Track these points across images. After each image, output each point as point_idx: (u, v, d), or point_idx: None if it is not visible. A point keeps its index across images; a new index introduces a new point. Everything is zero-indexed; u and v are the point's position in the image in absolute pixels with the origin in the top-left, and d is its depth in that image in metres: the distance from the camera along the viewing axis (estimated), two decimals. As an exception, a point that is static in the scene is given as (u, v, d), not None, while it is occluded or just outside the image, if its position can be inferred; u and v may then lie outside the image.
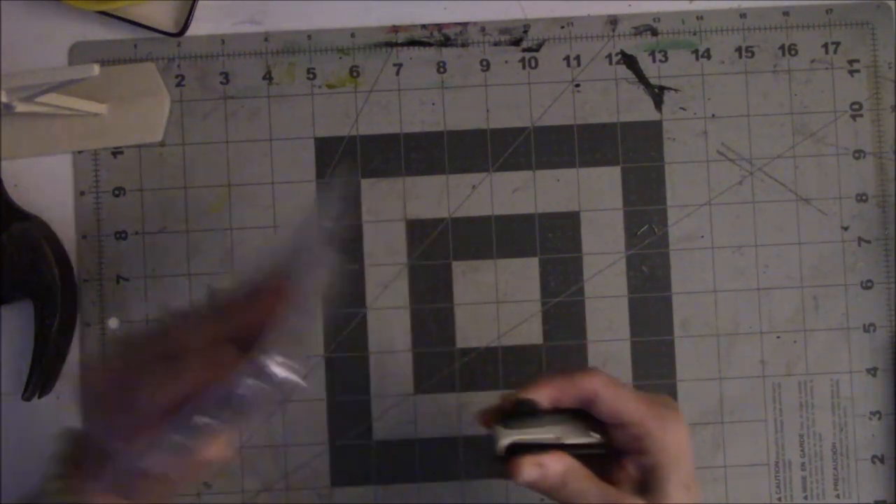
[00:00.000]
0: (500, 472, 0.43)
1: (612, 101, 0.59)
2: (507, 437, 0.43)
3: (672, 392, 0.58)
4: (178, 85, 0.59)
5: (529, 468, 0.43)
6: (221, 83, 0.59)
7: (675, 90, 0.59)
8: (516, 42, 0.59)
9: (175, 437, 0.38)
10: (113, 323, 0.58)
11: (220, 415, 0.38)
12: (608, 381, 0.44)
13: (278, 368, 0.38)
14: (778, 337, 0.59)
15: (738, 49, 0.59)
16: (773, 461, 0.58)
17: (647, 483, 0.43)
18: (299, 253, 0.41)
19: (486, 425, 0.44)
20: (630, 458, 0.44)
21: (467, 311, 0.58)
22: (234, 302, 0.41)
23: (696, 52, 0.59)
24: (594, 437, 0.44)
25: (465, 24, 0.59)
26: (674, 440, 0.43)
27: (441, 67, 0.59)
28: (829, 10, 0.59)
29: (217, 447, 0.40)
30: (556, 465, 0.43)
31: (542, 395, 0.43)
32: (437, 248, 0.59)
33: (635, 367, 0.58)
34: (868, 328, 0.59)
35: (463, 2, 0.59)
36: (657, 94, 0.59)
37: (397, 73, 0.59)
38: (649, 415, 0.43)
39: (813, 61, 0.59)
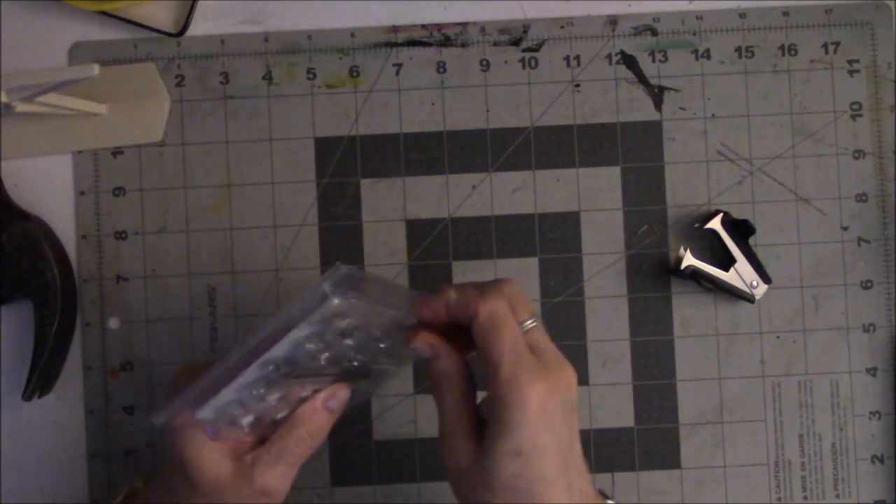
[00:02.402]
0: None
1: (612, 101, 0.59)
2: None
3: (672, 392, 0.58)
4: (178, 85, 0.59)
5: (425, 345, 0.44)
6: (221, 83, 0.59)
7: (675, 90, 0.59)
8: (516, 42, 0.59)
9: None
10: (113, 323, 0.58)
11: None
12: (495, 310, 0.42)
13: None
14: (778, 337, 0.59)
15: (738, 49, 0.59)
16: (772, 461, 0.58)
17: (486, 431, 0.42)
18: None
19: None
20: (488, 400, 0.42)
21: (467, 311, 0.58)
22: None
23: (695, 52, 0.59)
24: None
25: (465, 24, 0.59)
26: (516, 399, 0.40)
27: (441, 67, 0.59)
28: (828, 10, 0.59)
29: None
30: (446, 360, 0.44)
31: (438, 306, 0.43)
32: (437, 248, 0.59)
33: (635, 367, 0.58)
34: (868, 328, 0.59)
35: (463, 2, 0.59)
36: (657, 94, 0.59)
37: (397, 73, 0.59)
38: (507, 363, 0.41)
39: (813, 61, 0.59)
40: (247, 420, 0.44)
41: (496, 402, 0.41)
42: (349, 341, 0.44)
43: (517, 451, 0.41)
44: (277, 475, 0.44)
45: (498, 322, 0.42)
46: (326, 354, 0.44)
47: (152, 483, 0.51)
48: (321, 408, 0.45)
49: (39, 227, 0.56)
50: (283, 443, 0.45)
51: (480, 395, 0.44)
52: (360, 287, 0.43)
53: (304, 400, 0.45)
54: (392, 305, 0.45)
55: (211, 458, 0.44)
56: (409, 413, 0.58)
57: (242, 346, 0.43)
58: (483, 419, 0.43)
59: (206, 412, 0.43)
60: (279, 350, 0.42)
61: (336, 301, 0.41)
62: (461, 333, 0.44)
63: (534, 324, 0.43)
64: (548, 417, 0.41)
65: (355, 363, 0.46)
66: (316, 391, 0.45)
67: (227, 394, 0.43)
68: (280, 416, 0.45)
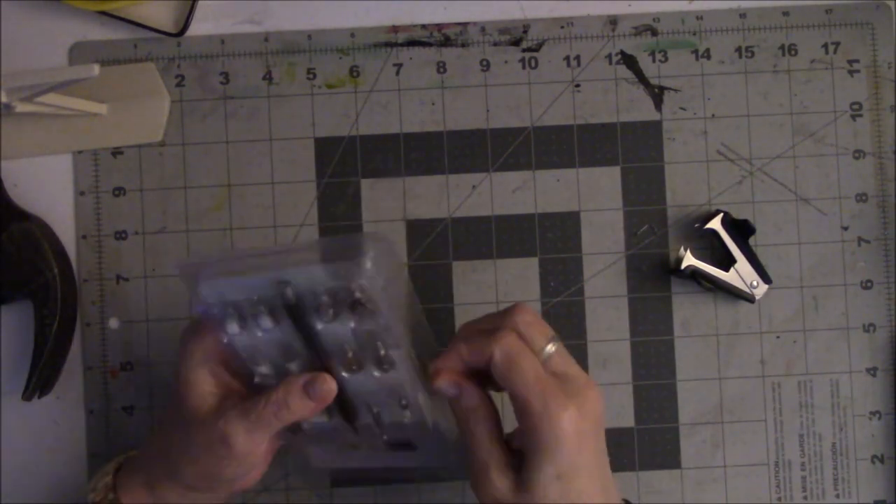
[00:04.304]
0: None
1: (612, 101, 0.59)
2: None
3: (672, 392, 0.58)
4: (178, 85, 0.59)
5: (447, 383, 0.44)
6: (221, 83, 0.59)
7: (675, 90, 0.59)
8: (516, 42, 0.59)
9: None
10: (113, 323, 0.58)
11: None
12: (510, 349, 0.43)
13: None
14: (778, 337, 0.59)
15: (738, 49, 0.59)
16: (772, 461, 0.58)
17: (523, 464, 0.43)
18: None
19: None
20: (521, 432, 0.43)
21: (467, 311, 0.58)
22: None
23: (695, 52, 0.59)
24: None
25: (465, 24, 0.59)
26: (550, 427, 0.42)
27: (441, 67, 0.59)
28: (828, 10, 0.59)
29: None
30: (470, 397, 0.44)
31: (452, 362, 0.45)
32: (437, 248, 0.59)
33: (635, 367, 0.58)
34: (868, 328, 0.59)
35: (463, 2, 0.59)
36: (657, 94, 0.59)
37: (397, 73, 0.59)
38: (535, 395, 0.42)
39: (813, 61, 0.59)
40: (232, 330, 0.45)
41: (531, 432, 0.42)
42: (352, 323, 0.44)
43: (558, 476, 0.42)
44: (238, 428, 0.44)
45: (514, 360, 0.43)
46: (331, 312, 0.44)
47: (147, 438, 0.52)
48: (299, 388, 0.45)
49: (39, 227, 0.56)
50: (254, 402, 0.45)
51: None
52: (393, 280, 0.44)
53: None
54: (408, 323, 0.46)
55: (202, 379, 0.46)
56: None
57: (267, 250, 0.43)
58: (514, 450, 0.44)
59: (208, 289, 0.44)
60: (295, 274, 0.43)
61: (369, 265, 0.41)
62: (482, 371, 0.45)
63: (553, 349, 0.44)
64: (581, 439, 0.42)
65: (354, 375, 0.45)
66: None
67: (232, 284, 0.44)
68: (266, 380, 0.46)
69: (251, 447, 0.45)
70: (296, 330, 0.45)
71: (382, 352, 0.45)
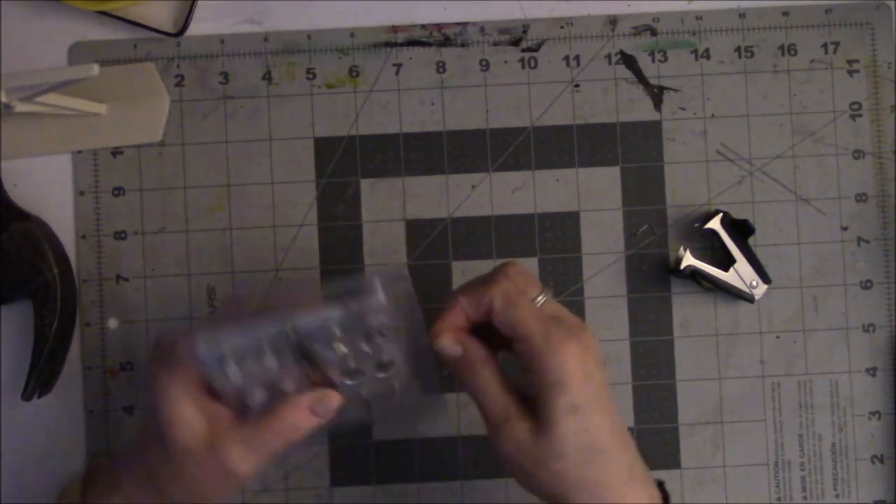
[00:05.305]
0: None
1: (612, 101, 0.59)
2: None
3: (672, 392, 0.58)
4: (178, 85, 0.59)
5: (450, 342, 0.45)
6: (221, 83, 0.59)
7: (675, 90, 0.59)
8: (516, 42, 0.59)
9: None
10: (113, 323, 0.58)
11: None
12: (508, 292, 0.44)
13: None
14: (777, 337, 0.59)
15: (738, 49, 0.59)
16: (772, 461, 0.58)
17: (536, 407, 0.43)
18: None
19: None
20: (528, 379, 0.44)
21: (467, 311, 0.58)
22: None
23: (695, 52, 0.59)
24: None
25: (464, 24, 0.59)
26: (557, 360, 0.42)
27: (441, 67, 0.59)
28: (828, 10, 0.59)
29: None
30: (477, 350, 0.45)
31: (452, 320, 0.45)
32: (436, 248, 0.59)
33: (635, 367, 0.58)
34: (867, 328, 0.59)
35: (463, 2, 0.59)
36: (657, 94, 0.59)
37: (397, 73, 0.59)
38: (537, 332, 0.43)
39: (812, 61, 0.59)
40: (237, 379, 0.44)
41: (539, 371, 0.43)
42: (367, 348, 0.44)
43: (574, 407, 0.42)
44: (243, 458, 0.44)
45: (513, 300, 0.44)
46: (344, 350, 0.44)
47: (120, 448, 0.50)
48: (305, 408, 0.44)
49: (39, 227, 0.56)
50: (257, 428, 0.44)
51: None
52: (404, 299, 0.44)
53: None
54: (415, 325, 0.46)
55: (188, 414, 0.44)
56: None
57: (270, 309, 0.43)
58: (527, 398, 0.44)
59: (205, 347, 0.43)
60: (305, 320, 0.43)
61: (381, 298, 0.42)
62: (484, 339, 0.45)
63: (544, 298, 0.45)
64: (588, 373, 0.43)
65: (357, 381, 0.46)
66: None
67: (233, 336, 0.43)
68: (261, 402, 0.45)
69: (255, 471, 0.44)
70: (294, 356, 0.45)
71: (385, 357, 0.45)
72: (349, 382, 0.45)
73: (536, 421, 0.43)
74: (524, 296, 0.44)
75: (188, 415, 0.44)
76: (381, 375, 0.45)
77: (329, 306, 0.43)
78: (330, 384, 0.45)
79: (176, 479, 0.45)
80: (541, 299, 0.45)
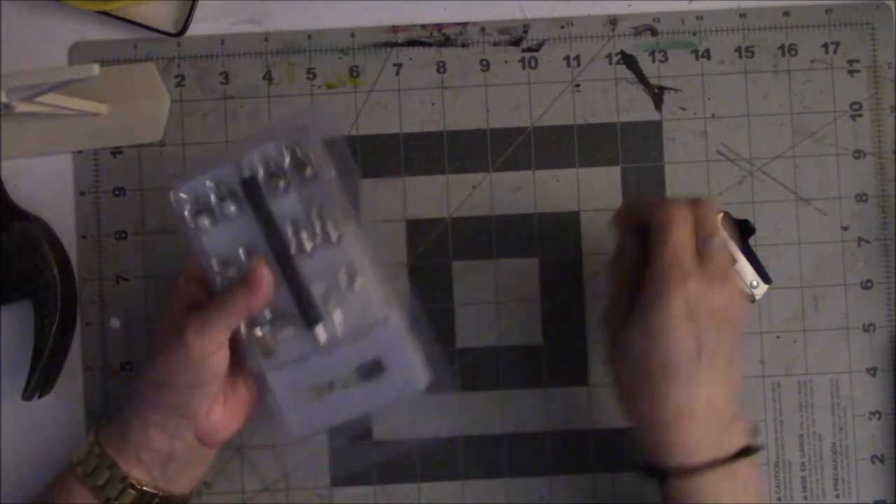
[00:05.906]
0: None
1: (612, 101, 0.59)
2: None
3: (672, 392, 0.58)
4: (178, 85, 0.59)
5: (622, 223, 0.51)
6: (221, 83, 0.59)
7: (675, 90, 0.59)
8: (516, 42, 0.59)
9: None
10: (113, 323, 0.58)
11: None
12: (677, 215, 0.46)
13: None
14: (778, 337, 0.59)
15: (738, 49, 0.59)
16: (772, 461, 0.58)
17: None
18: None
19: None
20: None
21: (467, 311, 0.58)
22: None
23: (695, 52, 0.59)
24: None
25: (464, 24, 0.59)
26: (658, 291, 0.45)
27: (441, 67, 0.59)
28: (828, 10, 0.59)
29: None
30: (631, 249, 0.49)
31: (630, 212, 0.50)
32: (437, 248, 0.59)
33: (635, 367, 0.58)
34: (868, 328, 0.59)
35: (463, 2, 0.59)
36: (657, 94, 0.59)
37: (397, 73, 0.59)
38: (664, 260, 0.45)
39: (813, 61, 0.59)
40: (201, 224, 0.49)
41: (645, 288, 0.46)
42: (297, 192, 0.49)
43: (646, 331, 0.46)
44: (193, 325, 0.47)
45: (668, 224, 0.46)
46: (282, 183, 0.49)
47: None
48: (240, 281, 0.48)
49: (39, 227, 0.56)
50: (207, 305, 0.48)
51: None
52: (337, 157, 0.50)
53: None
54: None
55: (183, 288, 0.50)
56: (409, 413, 0.58)
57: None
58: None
59: (182, 191, 0.49)
60: (250, 156, 0.49)
61: (313, 132, 0.49)
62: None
63: (712, 245, 0.47)
64: (682, 318, 0.45)
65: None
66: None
67: (202, 179, 0.49)
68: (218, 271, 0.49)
69: (203, 343, 0.46)
70: (257, 221, 0.49)
71: (333, 229, 0.49)
72: (302, 259, 0.49)
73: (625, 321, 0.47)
74: (683, 225, 0.46)
75: (183, 289, 0.50)
76: (330, 251, 0.49)
77: (267, 141, 0.49)
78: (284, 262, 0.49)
79: (150, 360, 0.49)
80: (711, 241, 0.46)
